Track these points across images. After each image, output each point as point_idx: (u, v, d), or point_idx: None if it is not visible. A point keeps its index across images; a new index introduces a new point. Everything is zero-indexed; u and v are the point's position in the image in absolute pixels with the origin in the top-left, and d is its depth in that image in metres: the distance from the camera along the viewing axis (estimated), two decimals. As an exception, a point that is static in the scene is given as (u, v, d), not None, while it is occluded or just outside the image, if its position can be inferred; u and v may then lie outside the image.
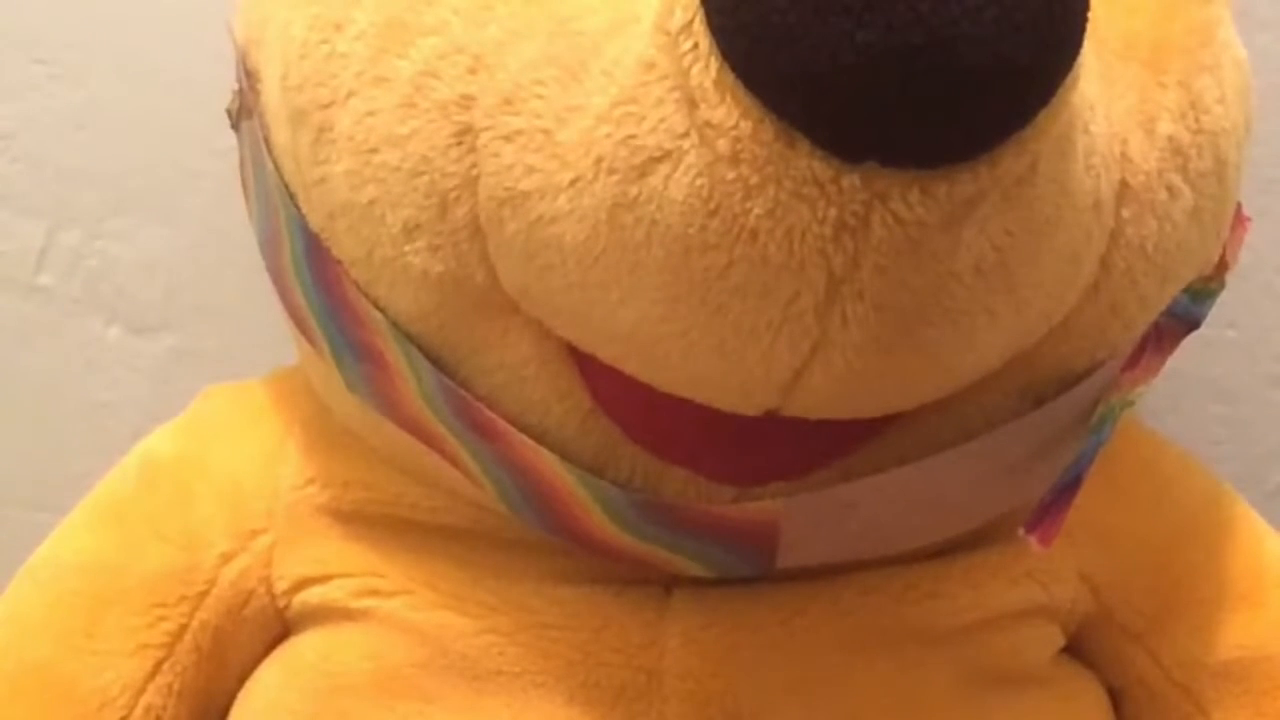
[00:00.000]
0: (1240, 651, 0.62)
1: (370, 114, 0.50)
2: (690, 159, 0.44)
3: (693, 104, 0.44)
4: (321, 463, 0.60)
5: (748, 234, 0.44)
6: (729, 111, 0.44)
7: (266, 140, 0.55)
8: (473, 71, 0.49)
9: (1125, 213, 0.51)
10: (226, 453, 0.62)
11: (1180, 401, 0.80)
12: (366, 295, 0.53)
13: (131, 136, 0.78)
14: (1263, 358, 0.81)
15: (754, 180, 0.44)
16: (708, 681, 0.56)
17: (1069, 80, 0.44)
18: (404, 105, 0.50)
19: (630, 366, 0.51)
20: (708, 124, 0.44)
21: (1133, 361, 0.55)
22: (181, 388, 0.68)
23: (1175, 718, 0.62)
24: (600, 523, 0.54)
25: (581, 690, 0.56)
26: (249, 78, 0.56)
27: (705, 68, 0.44)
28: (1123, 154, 0.50)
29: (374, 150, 0.50)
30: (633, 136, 0.45)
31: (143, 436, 0.66)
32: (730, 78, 0.43)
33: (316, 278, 0.55)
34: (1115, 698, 0.63)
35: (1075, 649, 0.62)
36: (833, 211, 0.44)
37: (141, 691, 0.59)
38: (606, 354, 0.51)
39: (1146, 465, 0.63)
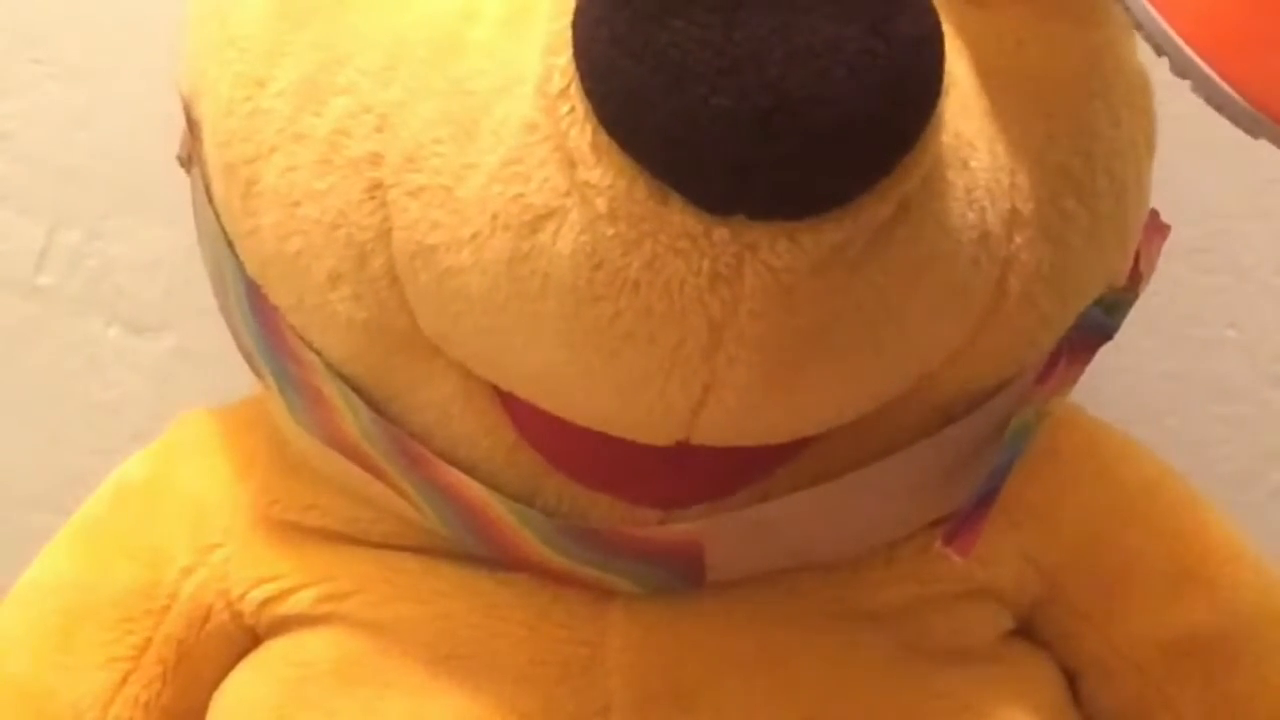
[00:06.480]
0: (1190, 628, 0.62)
1: (291, 169, 0.53)
2: (573, 216, 0.47)
3: (572, 164, 0.47)
4: (284, 485, 0.61)
5: (630, 286, 0.47)
6: (604, 172, 0.46)
7: (207, 189, 0.57)
8: (379, 130, 0.51)
9: (1019, 239, 0.53)
10: (193, 473, 0.63)
11: (1180, 401, 0.80)
12: (302, 338, 0.56)
13: (131, 136, 0.78)
14: (1263, 358, 0.81)
15: (631, 236, 0.46)
16: (650, 655, 0.57)
17: (930, 128, 0.46)
18: (321, 161, 0.52)
19: (545, 404, 0.53)
20: (587, 183, 0.46)
21: (1045, 375, 0.56)
22: (181, 388, 0.68)
23: (1129, 695, 0.63)
24: (534, 547, 0.56)
25: (529, 667, 0.57)
26: (193, 127, 0.58)
27: (582, 130, 0.46)
28: (1012, 184, 0.52)
29: (296, 204, 0.53)
30: (521, 195, 0.48)
31: (143, 436, 0.66)
32: (605, 139, 0.46)
33: (258, 320, 0.57)
34: (1072, 678, 0.64)
35: (1030, 631, 0.63)
36: (706, 263, 0.46)
37: (110, 703, 0.61)
38: (523, 392, 0.53)
39: (1089, 449, 0.64)
